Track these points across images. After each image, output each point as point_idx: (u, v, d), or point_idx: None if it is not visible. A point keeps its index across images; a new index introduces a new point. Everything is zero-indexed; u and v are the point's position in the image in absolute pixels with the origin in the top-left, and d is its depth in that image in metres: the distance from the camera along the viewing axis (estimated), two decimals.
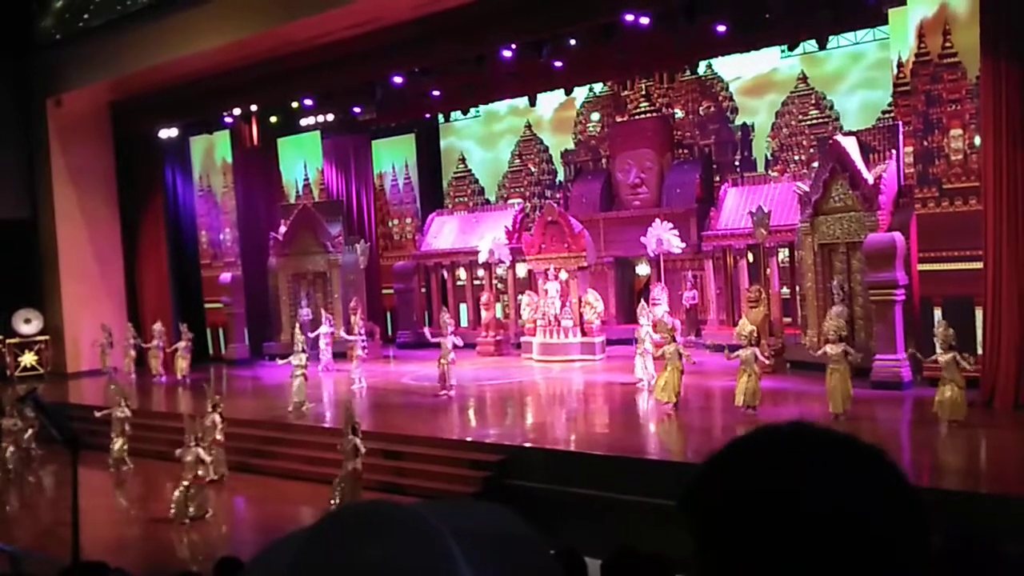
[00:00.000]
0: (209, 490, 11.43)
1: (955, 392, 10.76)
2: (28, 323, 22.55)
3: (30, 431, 14.76)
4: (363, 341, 17.51)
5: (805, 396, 12.99)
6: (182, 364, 19.39)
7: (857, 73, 18.38)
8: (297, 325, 17.37)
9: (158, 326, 20.57)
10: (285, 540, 1.00)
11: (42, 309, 22.71)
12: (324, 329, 18.92)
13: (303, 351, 15.44)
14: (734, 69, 19.97)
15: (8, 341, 22.25)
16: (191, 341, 19.69)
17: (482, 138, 24.52)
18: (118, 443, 13.56)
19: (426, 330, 18.86)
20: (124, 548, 10.11)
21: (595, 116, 22.36)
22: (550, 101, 22.60)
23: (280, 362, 16.38)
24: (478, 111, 23.75)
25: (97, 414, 13.83)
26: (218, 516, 11.46)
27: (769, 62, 19.43)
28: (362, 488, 10.76)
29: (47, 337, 22.59)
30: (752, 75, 19.92)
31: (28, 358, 22.43)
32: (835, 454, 0.99)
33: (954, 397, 10.75)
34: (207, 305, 22.93)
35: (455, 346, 15.21)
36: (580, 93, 22.10)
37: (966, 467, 9.60)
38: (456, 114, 23.83)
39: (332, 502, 10.63)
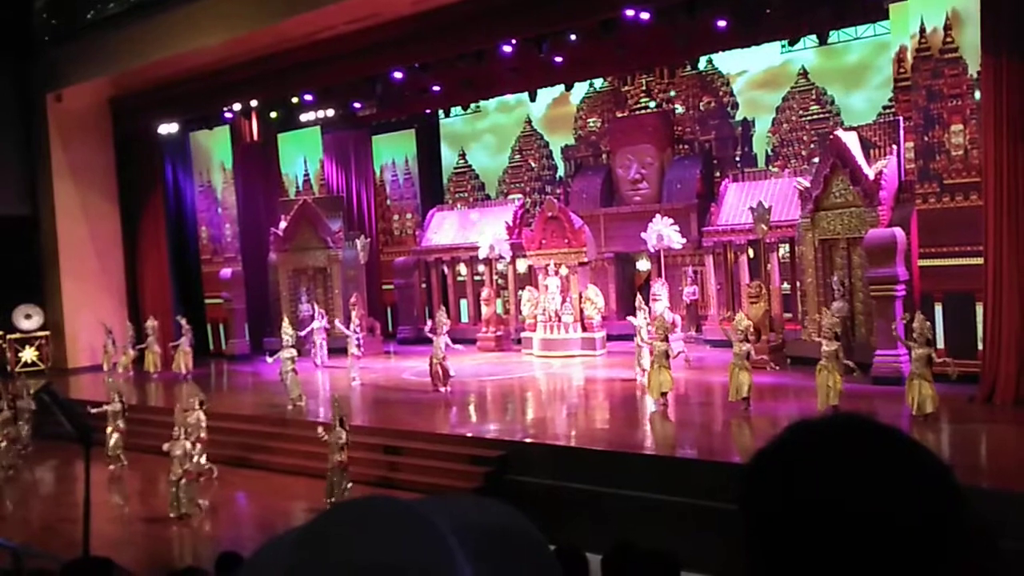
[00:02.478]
0: (198, 485, 11.41)
1: (927, 387, 10.81)
2: (28, 319, 22.56)
3: (26, 425, 14.83)
4: (358, 338, 17.45)
5: (805, 391, 12.97)
6: (183, 360, 19.42)
7: (882, 65, 17.96)
8: (285, 320, 17.30)
9: (151, 322, 20.61)
10: (280, 539, 0.99)
11: (42, 305, 22.72)
12: (316, 324, 18.95)
13: (292, 346, 15.45)
14: (740, 63, 19.79)
15: (9, 337, 22.27)
16: (191, 335, 19.73)
17: (468, 136, 24.53)
18: (114, 438, 13.58)
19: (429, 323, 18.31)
20: (124, 544, 10.13)
21: (592, 121, 22.31)
22: (542, 97, 22.37)
23: (269, 360, 16.31)
24: (478, 106, 23.72)
25: (93, 410, 13.82)
26: (218, 512, 11.48)
27: (782, 56, 19.08)
28: (348, 480, 10.82)
29: (47, 333, 22.61)
30: (761, 68, 19.67)
31: (29, 354, 22.44)
32: (887, 451, 0.98)
33: (928, 392, 10.80)
34: (207, 300, 22.94)
35: (447, 345, 15.20)
36: (579, 89, 21.99)
37: (967, 462, 9.59)
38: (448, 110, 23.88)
39: (328, 500, 10.66)
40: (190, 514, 11.03)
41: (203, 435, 12.17)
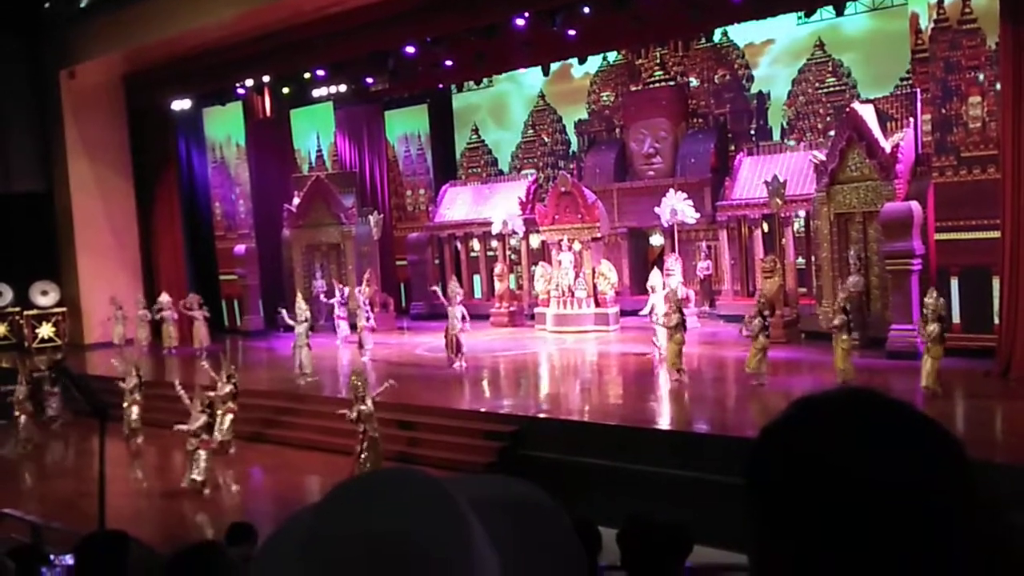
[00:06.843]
0: (212, 456, 11.47)
1: (930, 364, 10.80)
2: (45, 295, 22.72)
3: (56, 401, 15.07)
4: (368, 313, 17.47)
5: (819, 366, 12.95)
6: (202, 333, 19.72)
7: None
8: (299, 296, 17.35)
9: (164, 297, 20.78)
10: (301, 512, 1.00)
11: (59, 281, 22.87)
12: (336, 299, 19.06)
13: (306, 320, 15.52)
14: (765, 33, 19.32)
15: (26, 313, 22.44)
16: (203, 307, 20.03)
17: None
18: (133, 412, 13.68)
19: (437, 290, 17.55)
20: (141, 518, 10.22)
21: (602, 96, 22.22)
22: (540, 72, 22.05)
23: (285, 318, 16.44)
24: (492, 81, 23.60)
25: (123, 384, 13.85)
26: (232, 486, 11.57)
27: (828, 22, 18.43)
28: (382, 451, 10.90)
29: (64, 309, 22.76)
30: (792, 38, 19.21)
31: (46, 330, 22.62)
32: (894, 423, 0.97)
33: (928, 368, 10.81)
34: (222, 277, 23.04)
35: (464, 317, 15.21)
36: (590, 63, 21.75)
37: (981, 437, 9.57)
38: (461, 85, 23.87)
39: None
40: (202, 483, 11.06)
41: (232, 406, 12.35)
